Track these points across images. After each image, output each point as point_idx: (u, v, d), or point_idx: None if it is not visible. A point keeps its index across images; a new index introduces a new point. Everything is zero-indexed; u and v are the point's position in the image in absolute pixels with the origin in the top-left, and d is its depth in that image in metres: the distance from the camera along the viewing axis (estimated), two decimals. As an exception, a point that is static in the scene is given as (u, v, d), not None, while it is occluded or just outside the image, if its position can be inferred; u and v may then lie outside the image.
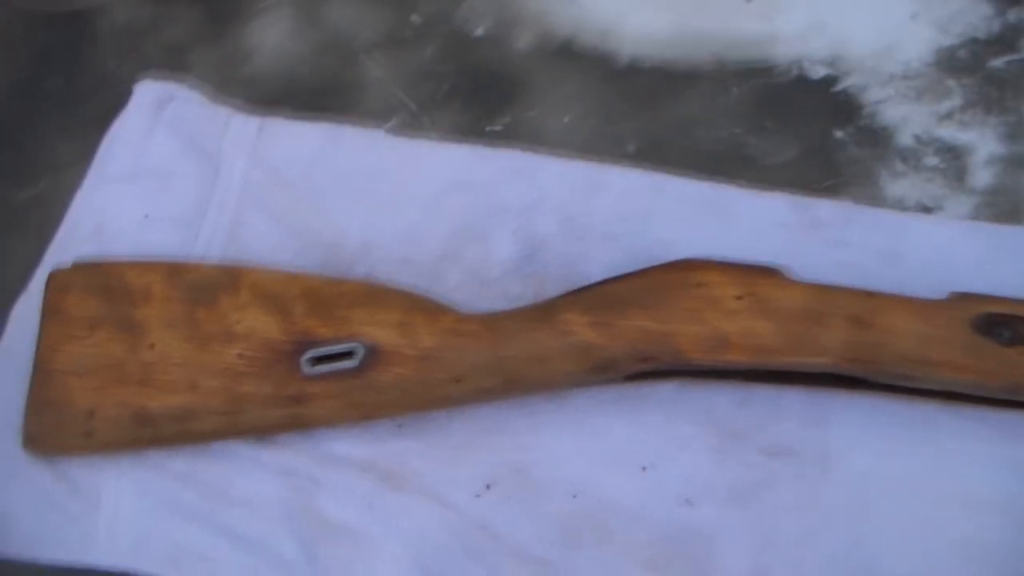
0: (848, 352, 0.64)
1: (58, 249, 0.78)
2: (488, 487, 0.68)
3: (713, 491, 0.68)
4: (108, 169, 0.81)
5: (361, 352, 0.67)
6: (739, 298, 0.66)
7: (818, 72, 0.83)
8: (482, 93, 0.83)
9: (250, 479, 0.69)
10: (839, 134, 0.81)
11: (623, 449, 0.69)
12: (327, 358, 0.68)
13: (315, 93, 0.84)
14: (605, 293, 0.68)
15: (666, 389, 0.70)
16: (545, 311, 0.68)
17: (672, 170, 0.78)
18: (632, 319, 0.66)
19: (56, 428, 0.68)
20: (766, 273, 0.67)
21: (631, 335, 0.66)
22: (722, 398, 0.70)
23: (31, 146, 0.83)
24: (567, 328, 0.67)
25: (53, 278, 0.72)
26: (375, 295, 0.70)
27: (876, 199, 0.76)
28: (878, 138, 0.80)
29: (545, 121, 0.81)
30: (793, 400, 0.68)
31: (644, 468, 0.68)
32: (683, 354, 0.65)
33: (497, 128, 0.81)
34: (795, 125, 0.81)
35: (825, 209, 0.77)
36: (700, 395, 0.70)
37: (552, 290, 0.72)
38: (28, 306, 0.75)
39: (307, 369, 0.67)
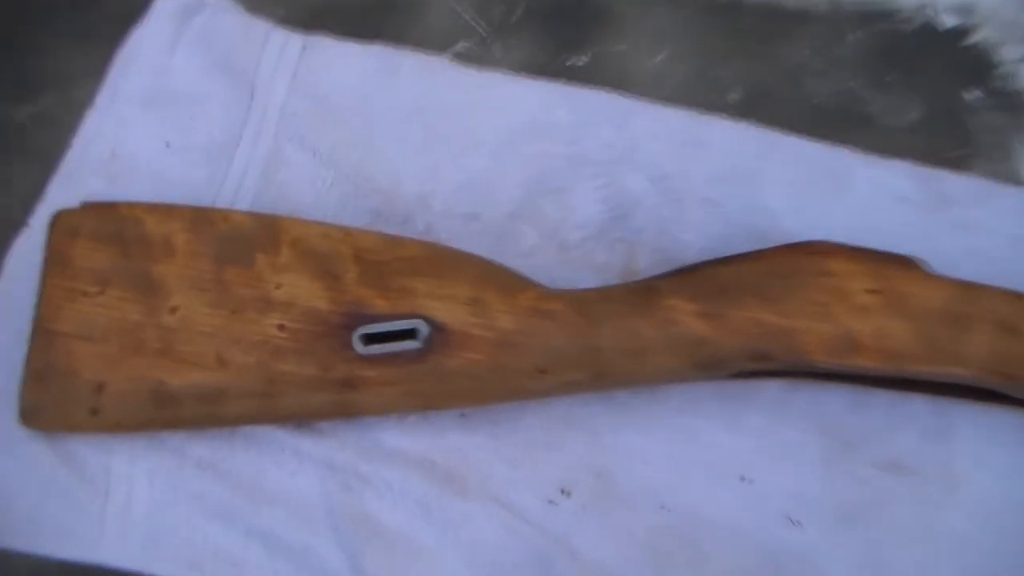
0: (993, 363, 0.56)
1: (64, 180, 0.67)
2: (564, 493, 0.60)
3: (820, 509, 0.60)
4: (123, 88, 0.69)
5: (425, 332, 0.58)
6: (872, 292, 0.57)
7: (946, 22, 0.72)
8: (562, 20, 0.71)
9: (287, 471, 0.60)
10: (969, 96, 0.70)
11: (720, 455, 0.61)
12: (384, 336, 0.58)
13: (368, 10, 0.72)
14: (716, 277, 0.58)
15: (770, 388, 0.62)
16: (645, 293, 0.58)
17: (780, 126, 0.68)
18: (748, 310, 0.57)
19: (58, 401, 0.59)
20: (902, 264, 0.58)
21: (746, 329, 0.57)
22: (833, 401, 0.62)
23: (32, 55, 0.71)
24: (671, 316, 0.57)
25: (58, 220, 0.61)
26: (442, 261, 0.60)
27: (1012, 175, 0.67)
28: (1014, 103, 0.70)
29: (635, 58, 0.69)
30: (914, 408, 0.62)
31: (743, 479, 0.60)
32: (805, 355, 0.57)
33: (579, 63, 0.69)
34: (919, 82, 0.70)
35: (953, 184, 0.67)
36: (808, 396, 0.62)
37: (644, 261, 0.63)
38: (29, 245, 0.65)
39: (360, 348, 0.58)
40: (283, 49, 0.70)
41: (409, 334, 0.58)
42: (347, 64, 0.70)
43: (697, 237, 0.64)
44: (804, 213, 0.65)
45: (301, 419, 0.60)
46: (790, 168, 0.67)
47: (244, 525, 0.59)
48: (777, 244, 0.62)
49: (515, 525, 0.59)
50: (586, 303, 0.59)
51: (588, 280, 0.63)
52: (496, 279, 0.59)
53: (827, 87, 0.70)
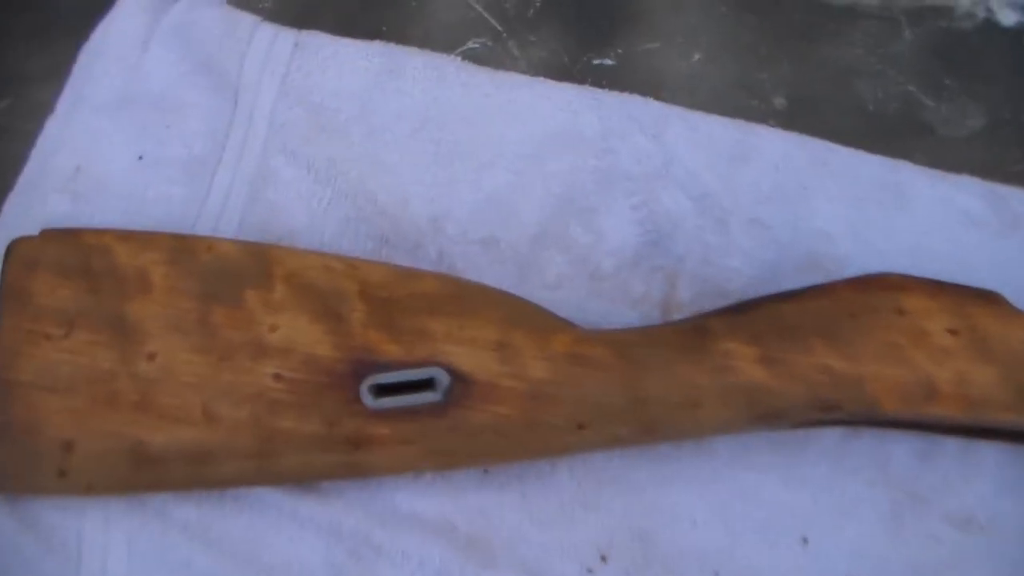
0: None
1: (20, 198, 0.59)
2: (603, 559, 0.53)
3: (889, 571, 0.54)
4: (88, 92, 0.61)
5: (445, 382, 0.51)
6: (952, 333, 0.52)
7: (1009, 17, 0.67)
8: (586, 14, 0.64)
9: (285, 537, 0.53)
10: (1037, 102, 0.64)
11: (777, 514, 0.55)
12: (397, 388, 0.51)
13: (367, 2, 0.63)
14: (776, 316, 0.52)
15: (829, 435, 0.56)
16: (696, 335, 0.51)
17: (830, 136, 0.61)
18: (813, 355, 0.51)
19: (19, 461, 0.51)
20: (985, 300, 0.53)
21: (811, 377, 0.51)
22: (899, 449, 0.56)
23: (-15, 54, 0.62)
24: (727, 363, 0.51)
25: (15, 250, 0.54)
26: (462, 298, 0.53)
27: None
28: (1090, 112, 0.63)
29: (667, 59, 0.62)
30: (984, 456, 0.56)
31: (805, 540, 0.53)
32: (877, 404, 0.51)
33: (606, 62, 0.62)
34: (981, 85, 0.66)
35: (1027, 204, 0.61)
36: (871, 444, 0.56)
37: (686, 292, 0.56)
38: (-19, 276, 0.55)
39: (369, 401, 0.51)
40: (271, 47, 0.63)
41: (426, 384, 0.51)
42: (345, 65, 0.62)
43: (744, 264, 0.58)
44: (861, 236, 0.59)
45: (302, 481, 0.53)
46: (844, 184, 0.60)
47: (237, 601, 0.51)
48: (831, 270, 0.58)
49: (549, 598, 0.52)
50: (629, 347, 0.51)
51: (624, 315, 0.57)
52: (526, 319, 0.52)
53: (881, 91, 0.64)
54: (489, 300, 0.53)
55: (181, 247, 0.54)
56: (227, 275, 0.53)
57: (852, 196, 0.60)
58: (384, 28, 0.62)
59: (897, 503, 0.55)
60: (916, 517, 0.54)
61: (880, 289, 0.52)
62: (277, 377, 0.51)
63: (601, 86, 0.61)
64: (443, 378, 0.50)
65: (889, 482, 0.55)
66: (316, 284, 0.53)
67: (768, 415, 0.51)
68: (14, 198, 0.59)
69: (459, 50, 0.63)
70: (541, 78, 0.61)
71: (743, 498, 0.54)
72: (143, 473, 0.51)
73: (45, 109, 0.61)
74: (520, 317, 0.52)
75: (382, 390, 0.51)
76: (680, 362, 0.51)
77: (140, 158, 0.60)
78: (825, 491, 0.55)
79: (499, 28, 0.63)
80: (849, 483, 0.55)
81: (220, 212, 0.58)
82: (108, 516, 0.53)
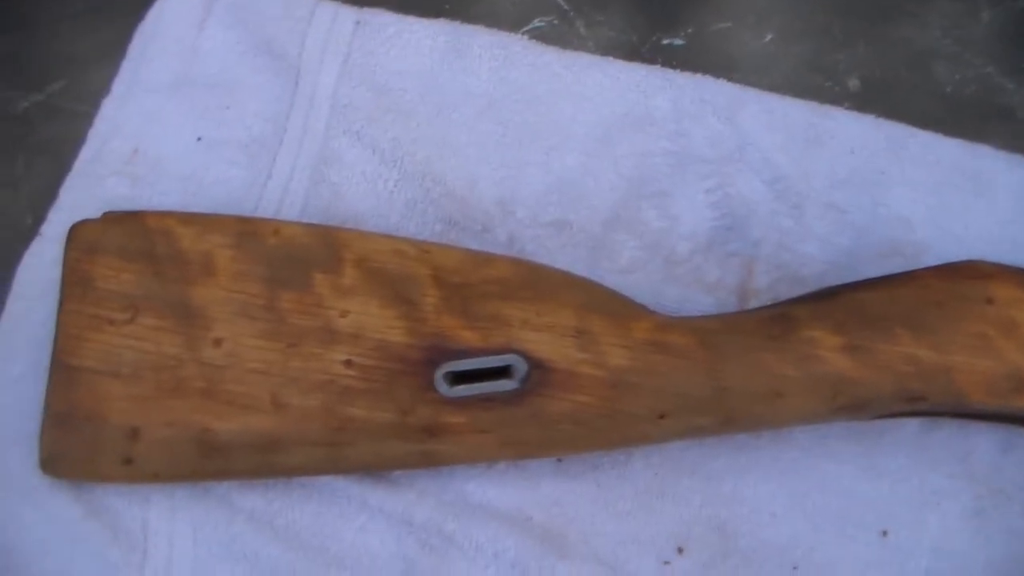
0: None
1: (78, 180, 0.58)
2: (680, 551, 0.51)
3: (969, 568, 0.52)
4: (144, 73, 0.59)
5: (522, 369, 0.49)
6: None
7: None
8: (656, -9, 0.61)
9: (355, 527, 0.52)
10: None
11: (856, 505, 0.53)
12: (473, 375, 0.50)
13: (429, -22, 0.61)
14: (859, 303, 0.50)
15: (908, 425, 0.54)
16: (780, 323, 0.50)
17: (906, 119, 0.59)
18: (899, 344, 0.50)
19: (85, 448, 0.50)
20: None
21: (897, 367, 0.50)
22: (981, 442, 0.54)
23: (37, 34, 0.61)
24: (812, 351, 0.49)
25: (76, 234, 0.52)
26: (538, 283, 0.51)
27: None
28: None
29: (739, 39, 0.60)
30: None
31: (885, 533, 0.52)
32: (963, 396, 0.50)
33: (676, 42, 0.60)
34: None
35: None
36: (951, 435, 0.54)
37: (763, 279, 0.55)
38: (42, 258, 0.56)
39: (444, 389, 0.49)
40: (332, 26, 0.61)
41: (503, 372, 0.49)
42: (409, 44, 0.60)
43: (820, 250, 0.56)
44: (940, 222, 0.57)
45: (373, 470, 0.51)
46: (922, 169, 0.58)
47: (306, 592, 0.50)
48: (909, 256, 0.57)
49: (625, 591, 0.50)
50: (711, 334, 0.50)
51: (699, 300, 0.55)
52: (603, 304, 0.51)
53: (960, 74, 0.61)
54: (565, 285, 0.51)
55: (246, 230, 0.52)
56: (294, 259, 0.51)
57: (930, 181, 0.58)
58: (447, 6, 0.60)
59: (979, 498, 0.53)
60: (999, 513, 0.53)
61: (968, 277, 0.51)
62: (348, 363, 0.50)
63: (671, 66, 0.59)
64: (520, 365, 0.49)
65: (971, 476, 0.54)
66: (387, 268, 0.51)
67: (852, 406, 0.49)
68: (71, 181, 0.57)
69: (524, 29, 0.61)
70: (610, 58, 0.60)
71: (822, 489, 0.53)
72: (210, 461, 0.50)
73: (100, 91, 0.59)
74: (598, 302, 0.51)
75: (457, 378, 0.49)
76: (763, 350, 0.49)
77: (199, 139, 0.58)
78: (904, 483, 0.53)
79: (565, 6, 0.61)
80: (929, 475, 0.53)
81: (282, 195, 0.57)
82: (174, 504, 0.52)
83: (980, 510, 0.53)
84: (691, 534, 0.52)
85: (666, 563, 0.52)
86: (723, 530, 0.52)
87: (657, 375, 0.49)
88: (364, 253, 0.52)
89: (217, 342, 0.50)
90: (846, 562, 0.52)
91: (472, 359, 0.49)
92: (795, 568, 0.52)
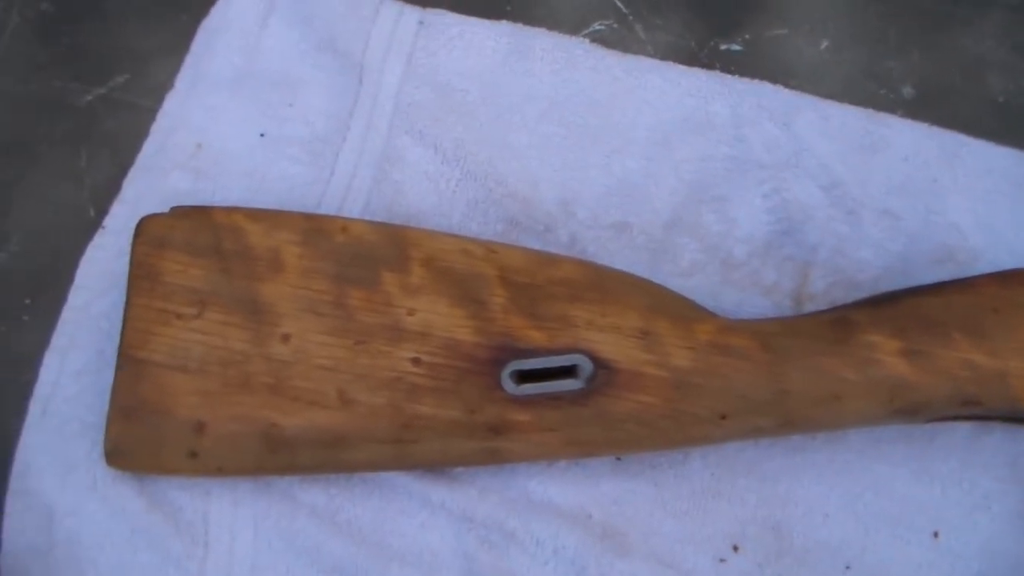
0: None
1: (141, 174, 0.58)
2: (736, 550, 0.51)
3: (1021, 570, 0.53)
4: (208, 68, 0.60)
5: (588, 369, 0.50)
6: None
7: None
8: (712, -2, 0.62)
9: (416, 523, 0.52)
10: None
11: (908, 507, 0.54)
12: (540, 374, 0.50)
13: (490, -19, 0.61)
14: (917, 308, 0.51)
15: (960, 429, 0.55)
16: (840, 327, 0.50)
17: (960, 127, 0.59)
18: (957, 349, 0.50)
19: (150, 441, 0.50)
20: None
21: (954, 371, 0.50)
22: None
23: (101, 28, 0.61)
24: (871, 355, 0.50)
25: (144, 228, 0.52)
26: (603, 284, 0.52)
27: None
28: None
29: (794, 46, 0.61)
30: None
31: (936, 535, 0.52)
32: (1019, 401, 0.51)
33: (733, 47, 0.60)
34: None
35: None
36: (1001, 440, 0.55)
37: (819, 283, 0.55)
38: (105, 251, 0.56)
39: (511, 388, 0.49)
40: (396, 25, 0.61)
41: (568, 372, 0.50)
42: (471, 45, 0.60)
43: (875, 255, 0.56)
44: (993, 229, 0.57)
45: (438, 467, 0.52)
46: (976, 177, 0.58)
47: (367, 586, 0.51)
48: (962, 263, 0.57)
49: (683, 589, 0.51)
50: (772, 337, 0.50)
51: (756, 304, 0.56)
52: (667, 306, 0.51)
53: (1013, 83, 0.61)
54: (630, 286, 0.52)
55: (314, 228, 0.53)
56: (362, 257, 0.52)
57: (983, 189, 0.58)
58: (508, 8, 0.61)
59: (1029, 501, 0.54)
60: (1048, 517, 0.53)
61: (1022, 284, 0.51)
62: (416, 361, 0.50)
63: (729, 72, 0.60)
64: (586, 365, 0.50)
65: (1021, 480, 0.54)
66: (455, 268, 0.52)
67: (908, 409, 0.50)
68: (134, 174, 0.58)
69: (584, 32, 0.61)
70: (670, 62, 0.60)
71: (875, 491, 0.53)
72: (275, 456, 0.50)
73: (163, 85, 0.59)
74: (662, 304, 0.51)
75: (524, 376, 0.50)
76: (824, 354, 0.50)
77: (262, 136, 0.59)
78: (955, 486, 0.54)
79: (624, 10, 0.61)
80: (979, 479, 0.54)
81: (345, 192, 0.57)
82: (236, 499, 0.52)
83: (1029, 514, 0.53)
84: (746, 533, 0.53)
85: (722, 561, 0.52)
86: (778, 530, 0.53)
87: (720, 377, 0.50)
88: (431, 252, 0.52)
89: (285, 338, 0.51)
90: (898, 563, 0.52)
91: (539, 358, 0.50)
92: (848, 568, 0.52)
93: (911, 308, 0.51)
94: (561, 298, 0.51)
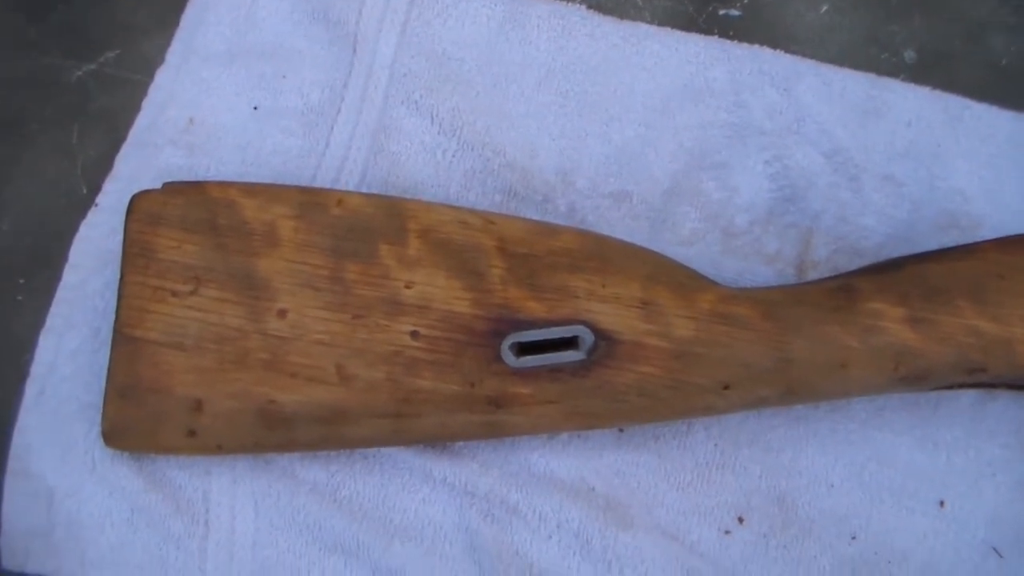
0: None
1: (134, 150, 0.58)
2: (741, 522, 0.51)
3: (1024, 539, 0.52)
4: (199, 41, 0.59)
5: (589, 341, 0.49)
6: None
7: None
8: (711, -39, 0.61)
9: (419, 499, 0.52)
10: None
11: (913, 476, 0.54)
12: (540, 346, 0.49)
13: (485, -54, 0.60)
14: (921, 275, 0.50)
15: (964, 396, 0.54)
16: (843, 295, 0.50)
17: (963, 91, 0.58)
18: (961, 316, 0.50)
19: (148, 420, 0.50)
20: None
21: (959, 338, 0.50)
22: None
23: (92, 3, 0.61)
24: (875, 323, 0.49)
25: (137, 205, 0.52)
26: (603, 254, 0.51)
27: None
28: None
29: (794, 10, 0.60)
30: None
31: (942, 503, 0.52)
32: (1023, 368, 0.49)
33: (732, 12, 0.59)
34: None
35: None
36: (1005, 407, 0.55)
37: (821, 251, 0.55)
38: (99, 229, 0.55)
39: (511, 360, 0.49)
40: (390, -6, 0.60)
41: (569, 343, 0.49)
42: (467, 13, 0.60)
43: (878, 222, 0.56)
44: (997, 195, 0.57)
45: (439, 441, 0.51)
46: (979, 141, 0.58)
47: (369, 562, 0.51)
48: (966, 228, 0.56)
49: (687, 560, 0.51)
50: (774, 306, 0.50)
51: (758, 272, 0.55)
52: (668, 276, 0.51)
53: (1015, 45, 0.60)
54: (630, 256, 0.51)
55: (310, 201, 0.52)
56: (359, 230, 0.51)
57: (986, 154, 0.58)
58: (503, -25, 0.60)
59: (1034, 468, 0.53)
60: (1054, 483, 0.53)
61: (1026, 250, 0.50)
62: (415, 335, 0.49)
63: (728, 37, 0.59)
64: (587, 336, 0.49)
65: (1025, 446, 0.53)
66: (453, 239, 0.51)
67: (913, 376, 0.49)
68: (126, 150, 0.57)
69: (581, -1, 0.60)
70: (668, 28, 0.59)
71: (879, 460, 0.53)
72: (274, 433, 0.50)
73: (154, 60, 0.59)
74: (663, 274, 0.51)
75: (524, 348, 0.49)
76: (827, 322, 0.49)
77: (255, 109, 0.58)
78: (960, 454, 0.54)
79: (621, -25, 0.61)
80: (984, 446, 0.54)
81: (341, 164, 0.57)
82: (235, 477, 0.52)
83: (1034, 481, 0.53)
84: (751, 504, 0.52)
85: (727, 533, 0.52)
86: (782, 501, 0.52)
87: (722, 346, 0.49)
88: (429, 224, 0.51)
89: (281, 313, 0.50)
90: (904, 532, 0.52)
91: (539, 330, 0.49)
92: (854, 538, 0.52)
93: (915, 275, 0.50)
94: (561, 268, 0.50)
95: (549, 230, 0.51)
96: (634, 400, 0.49)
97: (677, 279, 0.51)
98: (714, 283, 0.51)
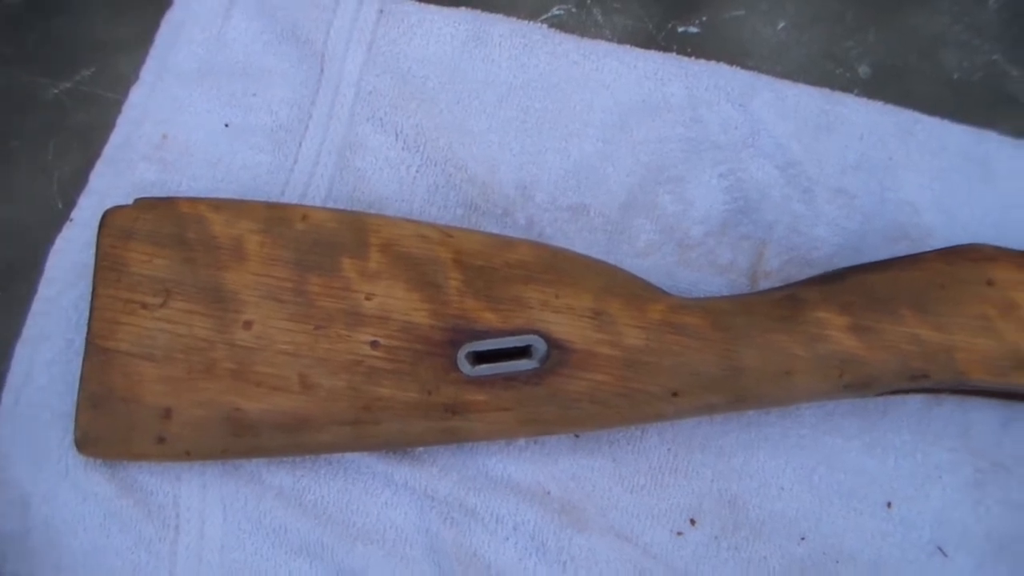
0: None
1: (108, 166, 0.59)
2: (693, 523, 0.53)
3: (970, 539, 0.54)
4: (172, 60, 0.61)
5: (542, 349, 0.51)
6: None
7: None
8: (669, -19, 0.62)
9: (381, 503, 0.54)
10: None
11: (861, 479, 0.55)
12: (494, 355, 0.51)
13: (449, -33, 0.62)
14: (865, 285, 0.52)
15: (912, 402, 0.56)
16: (789, 305, 0.51)
17: (916, 105, 0.60)
18: (904, 324, 0.51)
19: (119, 428, 0.52)
20: None
21: (902, 346, 0.51)
22: (980, 417, 0.56)
23: (66, 21, 0.62)
24: (820, 332, 0.51)
25: (109, 220, 0.54)
26: (557, 266, 0.52)
27: None
28: None
29: (752, 27, 0.62)
30: None
31: (889, 505, 0.54)
32: (964, 374, 0.51)
33: (691, 30, 0.61)
34: None
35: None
36: (952, 411, 0.56)
37: (774, 261, 0.56)
38: (73, 243, 0.57)
39: (467, 368, 0.51)
40: (357, 15, 0.62)
41: (523, 352, 0.51)
42: (431, 32, 0.61)
43: (830, 233, 0.57)
44: (947, 207, 0.58)
45: (398, 447, 0.53)
46: (930, 154, 0.59)
47: (332, 564, 0.53)
48: (916, 240, 0.58)
49: (640, 561, 0.53)
50: (723, 315, 0.51)
51: (711, 283, 0.57)
52: (620, 287, 0.52)
53: (967, 61, 0.62)
54: (584, 268, 0.53)
55: (276, 216, 0.54)
56: (322, 244, 0.53)
57: (937, 167, 0.59)
58: (466, -5, 0.62)
59: (980, 471, 0.55)
60: (998, 485, 0.55)
61: (969, 260, 0.52)
62: (374, 344, 0.51)
63: (686, 54, 0.61)
64: (540, 345, 0.51)
65: (971, 450, 0.55)
66: (412, 253, 0.53)
67: (858, 383, 0.51)
68: (101, 167, 0.59)
69: (543, 17, 0.61)
70: (627, 46, 0.61)
71: (828, 464, 0.55)
72: (240, 440, 0.51)
73: (128, 78, 0.60)
74: (615, 285, 0.52)
75: (479, 357, 0.51)
76: (774, 331, 0.51)
77: (226, 126, 0.60)
78: (908, 457, 0.55)
79: (582, -6, 0.62)
80: (931, 450, 0.55)
81: (308, 180, 0.59)
82: (204, 482, 0.54)
83: (980, 483, 0.54)
84: (703, 507, 0.54)
85: (679, 534, 0.53)
86: (734, 503, 0.54)
87: (671, 355, 0.51)
88: (390, 238, 0.53)
89: (247, 325, 0.52)
90: (852, 533, 0.53)
91: (493, 340, 0.51)
92: (803, 539, 0.53)
93: (859, 284, 0.52)
94: (516, 280, 0.52)
95: (505, 243, 0.53)
96: (586, 407, 0.51)
97: (630, 290, 0.52)
98: (666, 294, 0.53)
